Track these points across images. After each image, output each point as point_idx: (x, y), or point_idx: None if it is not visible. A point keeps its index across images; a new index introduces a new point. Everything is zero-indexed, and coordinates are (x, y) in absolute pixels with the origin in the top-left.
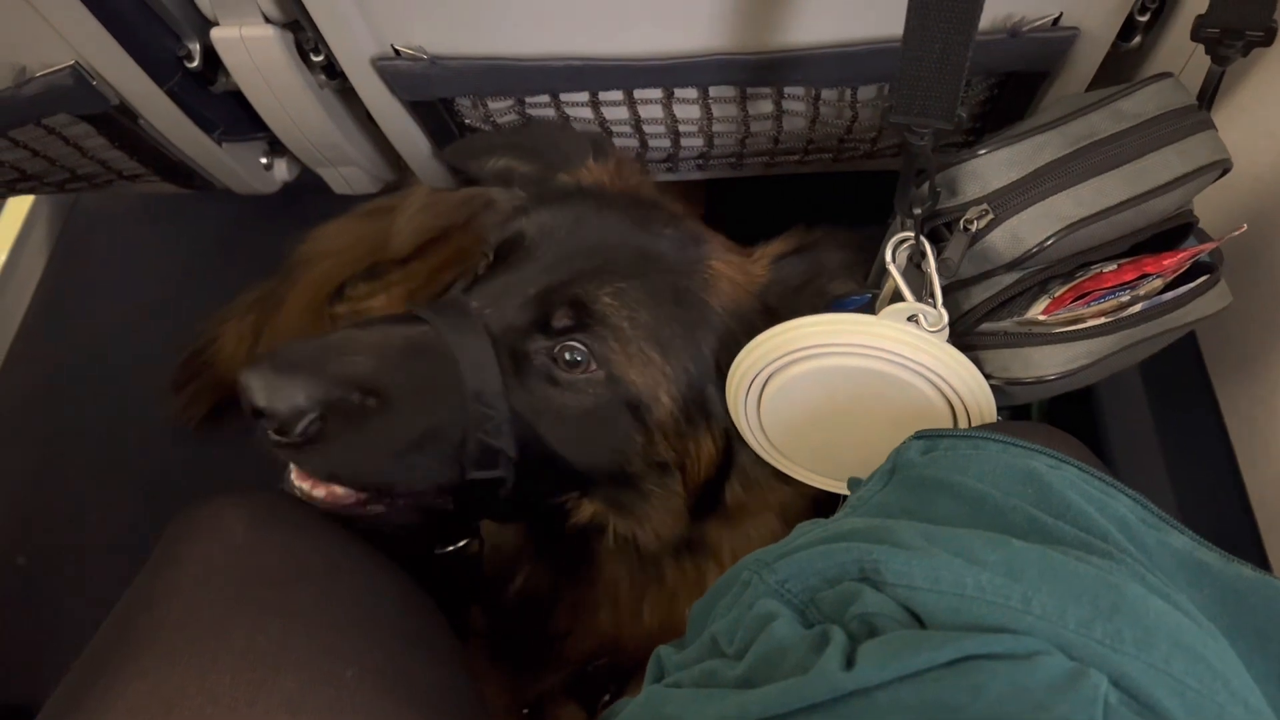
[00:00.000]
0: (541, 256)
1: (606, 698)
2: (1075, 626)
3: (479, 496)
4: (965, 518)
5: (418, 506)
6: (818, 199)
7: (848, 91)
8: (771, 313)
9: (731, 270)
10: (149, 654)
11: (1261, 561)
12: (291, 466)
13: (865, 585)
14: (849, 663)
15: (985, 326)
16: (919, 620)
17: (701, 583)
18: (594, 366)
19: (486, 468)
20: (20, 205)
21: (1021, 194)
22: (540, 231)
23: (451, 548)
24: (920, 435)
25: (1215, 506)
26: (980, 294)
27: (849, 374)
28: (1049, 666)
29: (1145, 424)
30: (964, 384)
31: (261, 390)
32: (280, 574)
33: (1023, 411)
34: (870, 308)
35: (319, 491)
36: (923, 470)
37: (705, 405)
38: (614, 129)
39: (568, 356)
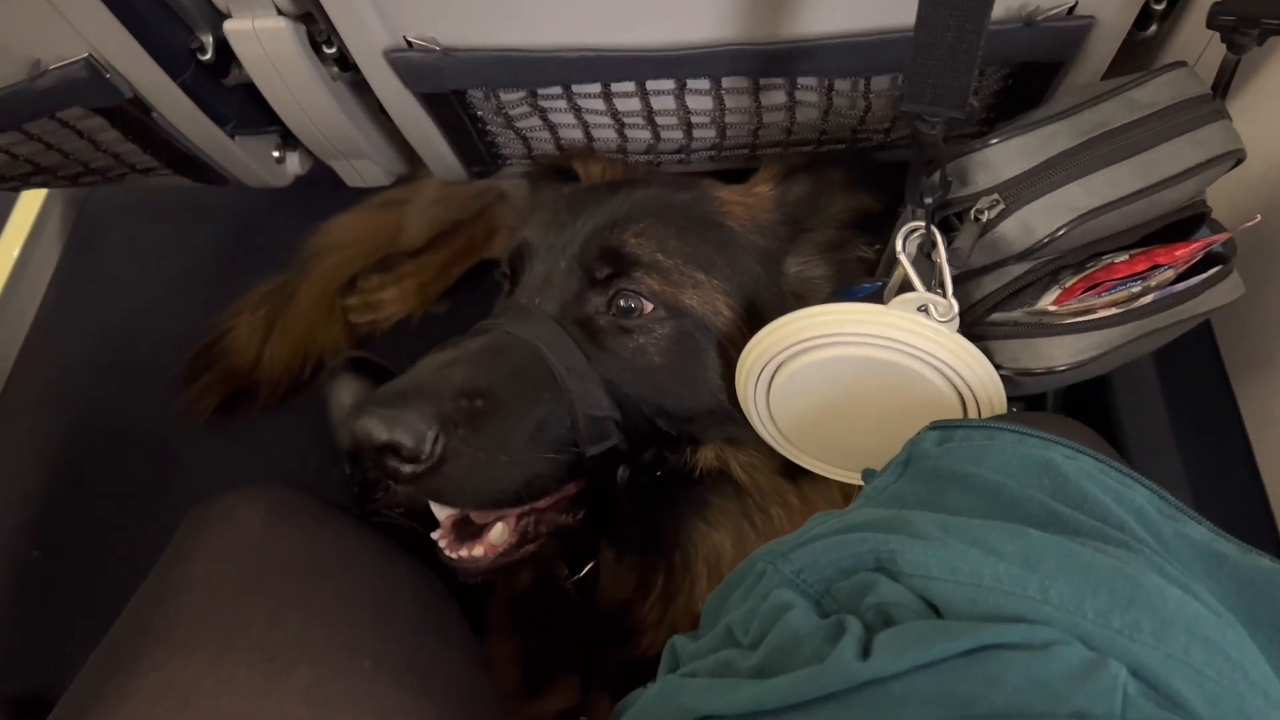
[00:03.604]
0: (556, 242)
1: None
2: (1093, 617)
3: (603, 483)
4: (981, 509)
5: (557, 534)
6: None
7: (861, 82)
8: (792, 223)
9: (737, 195)
10: (165, 646)
11: (1279, 553)
12: (441, 539)
13: (881, 575)
14: (865, 652)
15: (995, 316)
16: (936, 610)
17: None
18: (649, 306)
19: (600, 440)
20: (34, 199)
21: (1033, 184)
22: (543, 228)
23: (583, 572)
24: (935, 426)
25: (1232, 498)
26: (991, 284)
27: (858, 364)
28: (1067, 657)
29: (1161, 415)
30: (974, 375)
31: (380, 426)
32: (297, 567)
33: (1038, 404)
34: (879, 297)
35: (478, 550)
36: (938, 461)
37: (763, 316)
38: (626, 120)
39: (622, 303)
